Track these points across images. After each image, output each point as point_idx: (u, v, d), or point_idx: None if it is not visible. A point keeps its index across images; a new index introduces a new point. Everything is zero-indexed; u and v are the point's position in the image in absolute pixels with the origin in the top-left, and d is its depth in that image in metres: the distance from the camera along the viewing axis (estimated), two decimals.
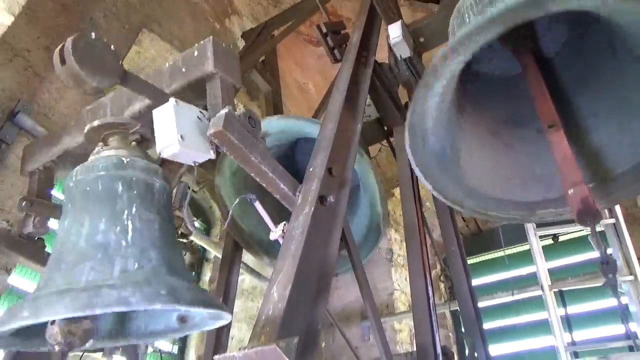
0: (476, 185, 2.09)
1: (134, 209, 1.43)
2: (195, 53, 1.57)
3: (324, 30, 2.73)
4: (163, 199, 1.54)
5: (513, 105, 2.33)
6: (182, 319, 1.57)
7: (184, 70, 1.59)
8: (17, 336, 1.40)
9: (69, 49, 1.26)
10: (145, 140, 1.63)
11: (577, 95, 2.16)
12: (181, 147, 1.34)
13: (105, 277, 1.27)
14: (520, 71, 2.23)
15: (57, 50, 1.28)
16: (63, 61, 1.28)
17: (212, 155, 1.42)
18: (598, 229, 1.64)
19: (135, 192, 1.46)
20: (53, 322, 1.23)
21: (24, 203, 1.81)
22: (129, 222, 1.40)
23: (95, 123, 1.59)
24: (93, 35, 1.34)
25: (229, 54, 1.59)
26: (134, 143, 1.61)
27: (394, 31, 2.55)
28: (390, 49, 2.79)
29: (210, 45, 1.55)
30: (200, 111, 1.45)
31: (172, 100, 1.41)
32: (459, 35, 1.47)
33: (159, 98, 1.46)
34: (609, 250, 3.66)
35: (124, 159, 1.50)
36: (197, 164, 1.45)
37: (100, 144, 1.58)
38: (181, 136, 1.35)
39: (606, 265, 1.54)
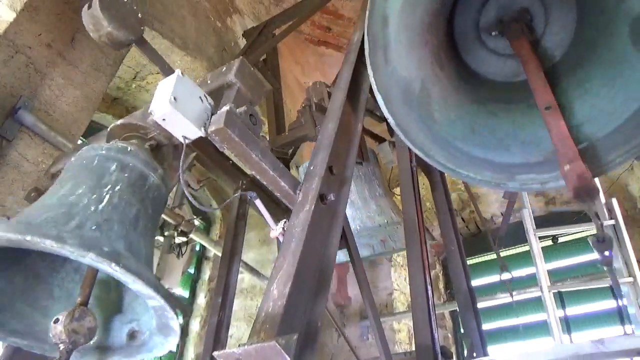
0: (447, 135, 1.93)
1: (117, 187, 1.42)
2: (223, 69, 1.61)
3: None
4: (153, 195, 1.54)
5: (504, 86, 2.27)
6: (132, 335, 1.51)
7: (209, 82, 1.61)
8: (15, 332, 1.40)
9: None
10: (160, 149, 1.67)
11: (567, 62, 2.10)
12: (172, 107, 1.34)
13: (57, 223, 1.24)
14: (519, 63, 2.18)
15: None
16: (89, 6, 1.43)
17: (202, 132, 1.42)
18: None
19: (126, 175, 1.47)
20: (57, 320, 1.23)
21: (32, 194, 1.82)
22: (107, 195, 1.39)
23: (119, 122, 1.64)
24: None
25: (253, 74, 1.61)
26: (147, 146, 1.64)
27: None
28: None
29: (238, 62, 1.58)
30: (205, 95, 1.46)
31: (178, 71, 1.43)
32: None
33: (168, 71, 1.48)
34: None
35: (129, 147, 1.52)
36: (187, 140, 1.44)
37: (117, 140, 1.61)
38: (175, 98, 1.35)
39: (602, 243, 1.52)
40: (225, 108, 1.37)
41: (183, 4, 4.13)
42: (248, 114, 1.44)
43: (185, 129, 1.42)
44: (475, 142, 1.89)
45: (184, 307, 3.32)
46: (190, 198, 1.44)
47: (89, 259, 1.15)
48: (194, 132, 1.43)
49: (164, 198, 1.62)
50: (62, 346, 1.20)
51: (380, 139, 3.40)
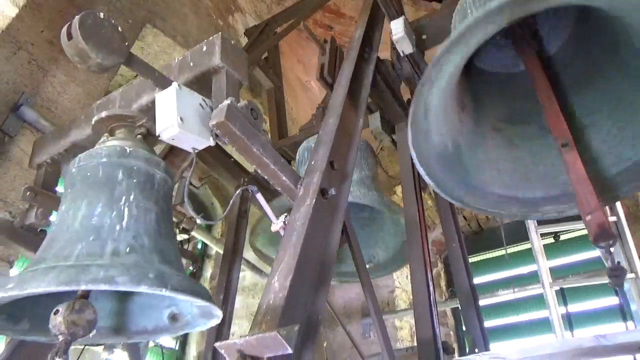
0: (478, 182, 2.09)
1: (132, 197, 1.44)
2: (204, 48, 1.59)
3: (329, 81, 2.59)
4: (163, 190, 1.55)
5: (515, 102, 2.32)
6: (173, 317, 1.56)
7: (191, 64, 1.60)
8: (18, 324, 1.41)
9: (77, 25, 1.30)
10: (151, 135, 1.65)
11: (579, 92, 2.14)
12: (180, 129, 1.35)
13: (95, 257, 1.27)
14: (523, 68, 2.22)
15: (65, 27, 1.31)
16: (70, 36, 1.31)
17: (211, 142, 1.42)
18: None
19: (135, 180, 1.48)
20: (57, 311, 1.24)
21: (28, 193, 1.82)
22: (126, 209, 1.41)
23: (103, 114, 1.62)
24: (102, 15, 1.37)
25: (236, 50, 1.61)
26: (139, 136, 1.63)
27: (397, 27, 2.55)
28: (392, 46, 2.80)
29: (218, 40, 1.57)
30: (203, 99, 1.46)
31: (174, 84, 1.42)
32: (459, 28, 1.46)
33: (163, 82, 1.47)
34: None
35: (127, 148, 1.52)
36: (196, 150, 1.45)
37: (106, 134, 1.60)
38: (181, 118, 1.36)
39: (615, 276, 1.62)
40: (226, 102, 1.37)
41: (185, 2, 4.13)
42: (249, 108, 1.44)
43: (194, 143, 1.43)
44: (501, 183, 2.10)
45: (193, 256, 3.41)
46: (198, 218, 1.49)
47: (142, 289, 1.23)
48: (203, 144, 1.44)
49: (170, 188, 1.63)
50: (61, 337, 1.20)
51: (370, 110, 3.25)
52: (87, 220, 1.37)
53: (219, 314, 1.46)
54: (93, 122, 1.63)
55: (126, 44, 1.41)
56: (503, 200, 2.09)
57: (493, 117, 2.28)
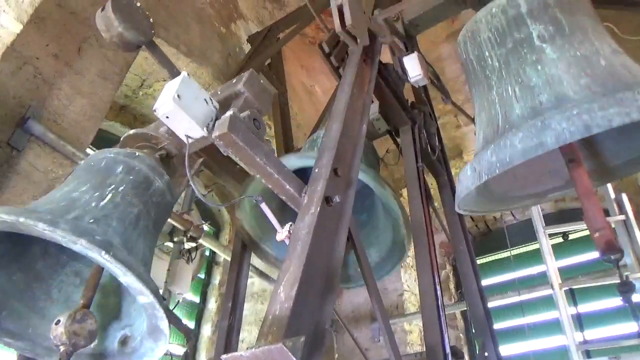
0: (501, 193, 2.22)
1: (121, 188, 1.46)
2: (234, 80, 1.63)
3: (327, 50, 2.64)
4: (157, 198, 1.57)
5: None
6: (123, 341, 1.53)
7: (219, 92, 1.64)
8: (10, 333, 1.42)
9: (110, 1, 1.50)
10: (169, 158, 1.72)
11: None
12: (175, 104, 1.36)
13: (54, 213, 1.27)
14: None
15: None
16: (103, 9, 1.52)
17: (205, 132, 1.43)
18: None
19: (131, 177, 1.51)
20: (58, 322, 1.25)
21: None
22: (110, 194, 1.43)
23: (132, 132, 1.71)
24: (138, 3, 1.56)
25: (262, 85, 1.64)
26: (157, 156, 1.68)
27: (413, 69, 2.54)
28: (392, 51, 2.80)
29: (247, 73, 1.61)
30: (210, 98, 1.48)
31: (184, 73, 1.46)
32: (507, 155, 1.56)
33: (176, 75, 1.52)
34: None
35: (137, 152, 1.55)
36: (190, 140, 1.45)
37: (128, 148, 1.66)
38: (178, 96, 1.37)
39: (625, 287, 1.71)
40: (229, 113, 1.38)
41: (188, 11, 4.16)
42: (252, 118, 1.45)
43: (188, 128, 1.43)
44: (519, 187, 2.23)
45: (187, 332, 3.30)
46: (199, 194, 1.47)
47: (80, 245, 1.17)
48: (197, 132, 1.44)
49: (168, 204, 1.64)
50: (62, 348, 1.21)
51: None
52: (69, 193, 1.41)
53: (164, 325, 1.38)
54: (122, 139, 1.71)
55: (152, 31, 1.55)
56: (519, 199, 2.26)
57: None
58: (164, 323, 1.36)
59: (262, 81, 1.66)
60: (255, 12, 5.39)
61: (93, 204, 1.37)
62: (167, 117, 1.41)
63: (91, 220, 1.31)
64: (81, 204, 1.35)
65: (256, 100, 1.58)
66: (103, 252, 1.17)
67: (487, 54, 2.00)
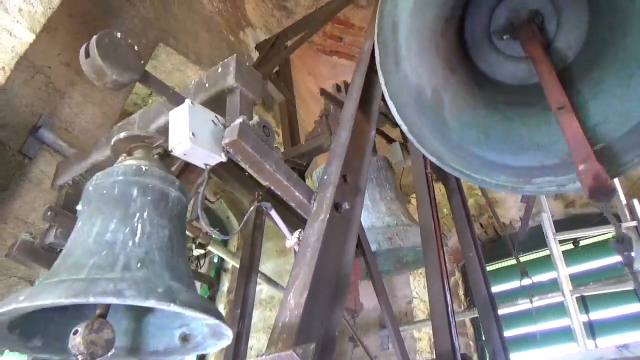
0: (461, 141, 1.93)
1: (145, 213, 1.46)
2: (219, 69, 1.62)
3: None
4: (177, 208, 1.57)
5: (517, 89, 2.26)
6: (184, 338, 1.56)
7: (207, 85, 1.63)
8: (31, 341, 1.43)
9: (94, 44, 1.36)
10: (167, 155, 1.68)
11: (581, 62, 2.07)
12: (192, 144, 1.36)
13: (106, 271, 1.28)
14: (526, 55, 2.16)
15: (83, 46, 1.38)
16: (87, 55, 1.38)
17: (223, 158, 1.44)
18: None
19: (149, 197, 1.50)
20: (76, 331, 1.26)
21: (49, 213, 1.86)
22: (139, 225, 1.43)
23: (122, 135, 1.66)
24: (118, 34, 1.43)
25: (250, 71, 1.63)
26: (156, 156, 1.66)
27: None
28: None
29: (233, 62, 1.60)
30: (215, 116, 1.48)
31: (187, 101, 1.44)
32: None
33: (177, 100, 1.51)
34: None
35: (143, 167, 1.55)
36: (208, 167, 1.47)
37: (124, 155, 1.64)
38: (193, 134, 1.37)
39: (621, 244, 1.50)
40: (239, 120, 1.39)
41: (197, 20, 4.20)
42: (261, 125, 1.45)
43: (206, 159, 1.44)
44: (489, 147, 1.90)
45: (210, 281, 3.43)
46: (211, 232, 1.48)
47: (149, 304, 1.22)
48: (215, 159, 1.45)
49: (185, 207, 1.65)
50: (80, 357, 1.22)
51: (390, 140, 3.38)
52: (100, 236, 1.40)
53: (229, 333, 1.45)
54: (112, 143, 1.67)
55: (142, 62, 1.46)
56: (490, 166, 1.89)
57: (488, 95, 2.20)
58: (228, 332, 1.44)
59: (247, 65, 1.64)
60: (263, 20, 5.43)
61: (130, 244, 1.38)
62: (185, 155, 1.42)
63: (139, 265, 1.34)
64: (120, 248, 1.36)
65: (250, 91, 1.57)
66: (172, 305, 1.23)
67: None
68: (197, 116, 1.43)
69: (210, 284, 3.37)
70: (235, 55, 1.62)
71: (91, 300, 1.17)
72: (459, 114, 2.02)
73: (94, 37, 1.37)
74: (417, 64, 1.89)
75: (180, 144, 1.39)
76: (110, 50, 1.38)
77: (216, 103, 1.59)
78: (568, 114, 1.62)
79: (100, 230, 1.41)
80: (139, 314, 1.63)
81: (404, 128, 1.88)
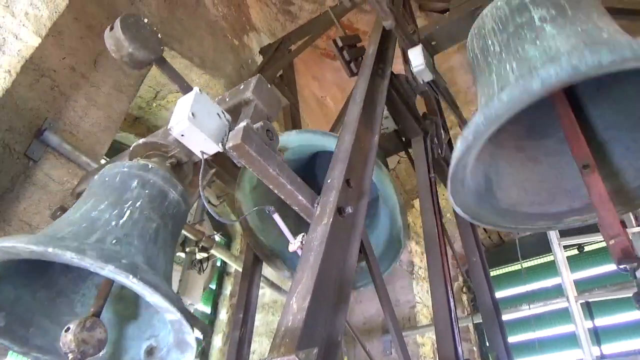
0: (508, 205, 2.14)
1: (138, 203, 1.47)
2: (241, 87, 1.65)
3: (340, 44, 2.76)
4: (173, 210, 1.58)
5: (533, 115, 2.30)
6: (149, 352, 1.54)
7: (227, 99, 1.65)
8: (38, 348, 1.43)
9: (119, 20, 1.49)
10: (180, 166, 1.72)
11: (597, 106, 2.12)
12: (190, 123, 1.38)
13: (78, 238, 1.28)
14: None
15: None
16: (112, 28, 1.51)
17: (220, 147, 1.44)
18: None
19: (147, 191, 1.51)
20: (67, 329, 1.25)
21: (58, 213, 1.88)
22: (128, 210, 1.43)
23: (141, 141, 1.70)
24: (145, 19, 1.56)
25: (270, 90, 1.66)
26: (168, 164, 1.68)
27: (416, 59, 2.56)
28: (405, 59, 2.81)
29: (254, 79, 1.62)
30: (223, 112, 1.49)
31: (196, 88, 1.47)
32: (494, 109, 1.46)
33: (187, 89, 1.53)
34: None
35: (149, 164, 1.56)
36: (205, 156, 1.47)
37: (138, 158, 1.66)
38: (193, 114, 1.39)
39: None
40: (242, 124, 1.39)
41: (201, 24, 4.22)
42: (265, 129, 1.46)
43: (203, 145, 1.45)
44: (529, 202, 2.14)
45: (204, 327, 3.32)
46: (210, 210, 1.47)
47: (108, 270, 1.18)
48: (212, 148, 1.46)
49: (183, 214, 1.65)
50: (70, 355, 1.20)
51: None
52: (88, 212, 1.41)
53: (193, 343, 1.40)
54: (131, 148, 1.70)
55: (161, 47, 1.54)
56: (530, 218, 2.15)
57: (514, 134, 2.26)
58: (190, 337, 1.38)
59: (269, 86, 1.66)
60: (267, 25, 5.45)
61: (113, 223, 1.38)
62: (182, 135, 1.43)
63: (114, 241, 1.32)
64: (102, 224, 1.36)
65: (266, 107, 1.59)
66: (131, 277, 1.19)
67: (489, 42, 1.97)
68: (202, 103, 1.46)
69: (204, 331, 3.32)
70: (259, 75, 1.65)
71: (49, 250, 1.15)
72: (502, 181, 2.13)
73: (121, 16, 1.50)
74: (475, 170, 1.95)
75: (178, 123, 1.41)
76: (133, 28, 1.51)
77: (232, 115, 1.60)
78: (593, 175, 1.76)
79: (88, 208, 1.43)
80: (112, 321, 1.59)
81: (468, 219, 2.05)
